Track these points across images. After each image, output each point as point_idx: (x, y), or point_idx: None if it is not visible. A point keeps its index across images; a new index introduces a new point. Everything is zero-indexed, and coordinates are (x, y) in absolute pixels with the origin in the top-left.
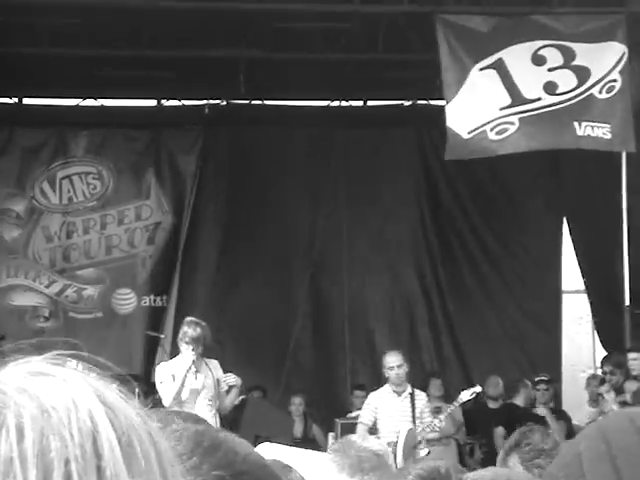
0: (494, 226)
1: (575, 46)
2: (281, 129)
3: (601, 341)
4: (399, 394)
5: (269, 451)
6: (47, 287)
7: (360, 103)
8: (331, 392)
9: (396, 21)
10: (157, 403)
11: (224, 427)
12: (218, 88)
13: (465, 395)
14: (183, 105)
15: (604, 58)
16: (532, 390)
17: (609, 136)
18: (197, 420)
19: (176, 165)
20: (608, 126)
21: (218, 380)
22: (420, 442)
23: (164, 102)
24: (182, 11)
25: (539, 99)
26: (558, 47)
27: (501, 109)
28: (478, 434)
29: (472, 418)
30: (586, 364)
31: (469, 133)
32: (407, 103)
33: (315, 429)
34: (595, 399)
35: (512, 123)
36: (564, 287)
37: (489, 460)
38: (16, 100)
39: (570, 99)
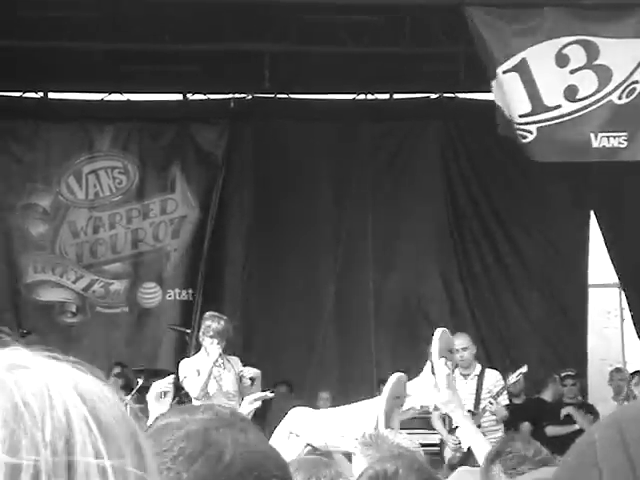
0: (521, 220)
1: (599, 41)
2: (306, 123)
3: (638, 334)
4: (465, 377)
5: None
6: (74, 282)
7: (386, 96)
8: (357, 387)
9: (422, 13)
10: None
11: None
12: (243, 82)
13: (512, 378)
14: (208, 99)
15: (627, 56)
16: (559, 385)
17: (624, 145)
18: (229, 416)
19: (202, 159)
20: (625, 134)
21: (241, 377)
22: (479, 426)
23: (189, 96)
24: (207, 4)
25: (559, 106)
26: (582, 43)
27: (520, 116)
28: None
29: None
30: (615, 358)
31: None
32: (433, 96)
33: None
34: (619, 392)
35: (530, 132)
36: (591, 281)
37: None
38: (41, 94)
39: (589, 105)
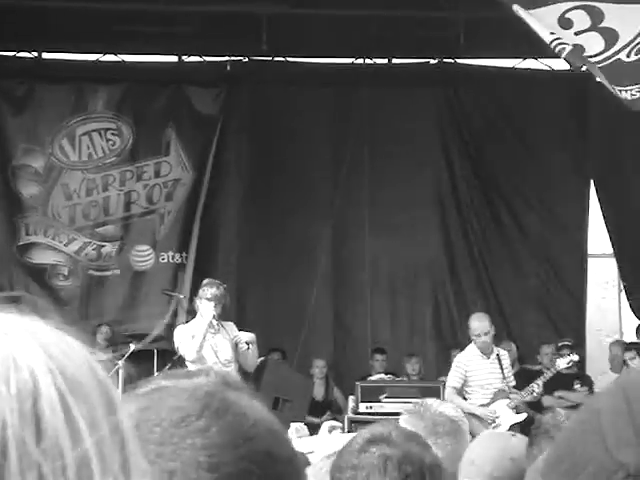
0: (520, 189)
1: (604, 7)
2: (304, 87)
3: (630, 306)
4: (488, 356)
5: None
6: (66, 245)
7: (385, 61)
8: (351, 355)
9: None
10: (176, 365)
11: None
12: (240, 44)
13: (562, 363)
14: (204, 61)
15: (634, 20)
16: (555, 355)
17: (638, 95)
18: (225, 378)
19: (197, 122)
20: (637, 86)
21: (237, 342)
22: (517, 406)
23: (185, 58)
24: None
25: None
26: (585, 8)
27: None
28: None
29: None
30: (611, 329)
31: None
32: (433, 61)
33: (336, 392)
34: (616, 364)
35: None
36: (590, 251)
37: None
38: (35, 55)
39: (596, 63)
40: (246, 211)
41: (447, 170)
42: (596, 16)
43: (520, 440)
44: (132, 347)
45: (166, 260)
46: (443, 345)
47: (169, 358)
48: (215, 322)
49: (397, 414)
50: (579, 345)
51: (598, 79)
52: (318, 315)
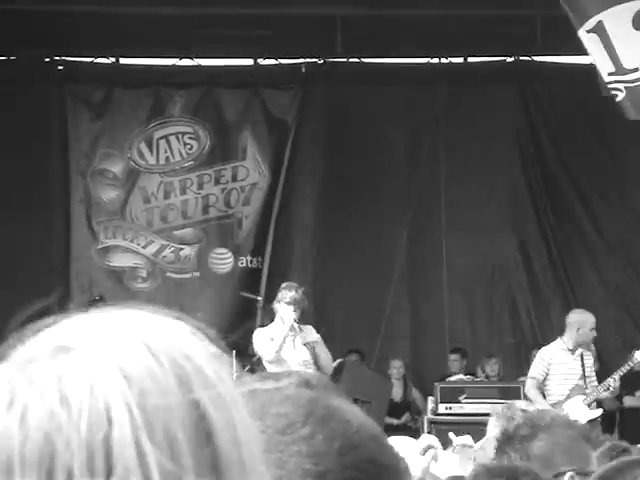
0: (599, 186)
1: None
2: (379, 87)
3: None
4: (573, 352)
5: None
6: (144, 248)
7: (461, 60)
8: (428, 356)
9: None
10: (255, 366)
11: None
12: (315, 46)
13: (637, 357)
14: (280, 64)
15: None
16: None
17: None
18: (308, 382)
19: (273, 124)
20: None
21: (314, 348)
22: (593, 402)
23: (260, 61)
24: None
25: (637, 70)
26: None
27: (609, 74)
28: None
29: None
30: None
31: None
32: (509, 59)
33: (415, 393)
34: None
35: (620, 90)
36: None
37: None
38: (113, 60)
39: None
40: (322, 213)
41: (523, 168)
42: None
43: None
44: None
45: (244, 264)
46: (522, 345)
47: (247, 360)
48: (296, 325)
49: (477, 415)
50: None
51: None
52: (395, 316)
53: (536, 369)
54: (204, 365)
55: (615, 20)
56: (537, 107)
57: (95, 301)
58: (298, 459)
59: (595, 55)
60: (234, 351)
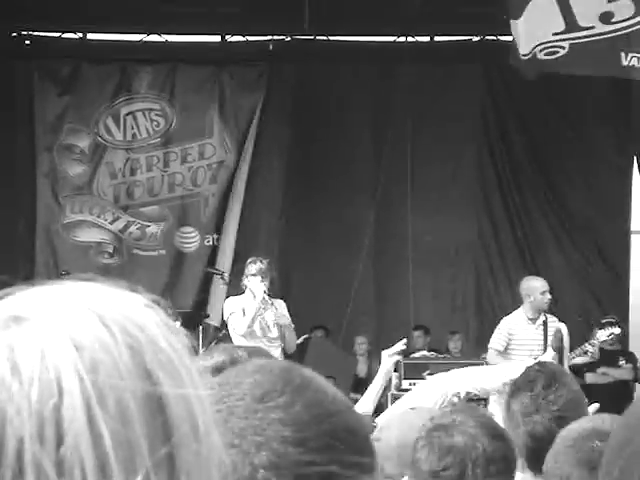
0: (562, 164)
1: None
2: (346, 65)
3: None
4: (534, 321)
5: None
6: (111, 223)
7: (427, 39)
8: (393, 332)
9: None
10: (223, 341)
11: None
12: (283, 24)
13: (602, 335)
14: (247, 41)
15: None
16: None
17: None
18: (268, 357)
19: (240, 102)
20: None
21: (284, 331)
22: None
23: (228, 38)
24: None
25: (592, 27)
26: None
27: (554, 34)
28: None
29: None
30: None
31: (524, 56)
32: (475, 39)
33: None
34: None
35: (562, 47)
36: (633, 228)
37: None
38: (80, 35)
39: (622, 28)
40: (288, 191)
41: (488, 147)
42: None
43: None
44: (177, 324)
45: (211, 242)
46: (485, 323)
47: (213, 334)
48: (267, 297)
49: None
50: (622, 322)
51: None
52: (361, 293)
53: (496, 340)
54: (158, 336)
55: None
56: (502, 86)
57: (62, 276)
58: (277, 426)
59: (545, 15)
60: (200, 327)
